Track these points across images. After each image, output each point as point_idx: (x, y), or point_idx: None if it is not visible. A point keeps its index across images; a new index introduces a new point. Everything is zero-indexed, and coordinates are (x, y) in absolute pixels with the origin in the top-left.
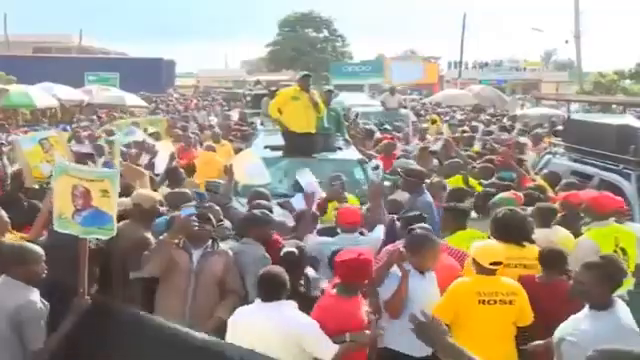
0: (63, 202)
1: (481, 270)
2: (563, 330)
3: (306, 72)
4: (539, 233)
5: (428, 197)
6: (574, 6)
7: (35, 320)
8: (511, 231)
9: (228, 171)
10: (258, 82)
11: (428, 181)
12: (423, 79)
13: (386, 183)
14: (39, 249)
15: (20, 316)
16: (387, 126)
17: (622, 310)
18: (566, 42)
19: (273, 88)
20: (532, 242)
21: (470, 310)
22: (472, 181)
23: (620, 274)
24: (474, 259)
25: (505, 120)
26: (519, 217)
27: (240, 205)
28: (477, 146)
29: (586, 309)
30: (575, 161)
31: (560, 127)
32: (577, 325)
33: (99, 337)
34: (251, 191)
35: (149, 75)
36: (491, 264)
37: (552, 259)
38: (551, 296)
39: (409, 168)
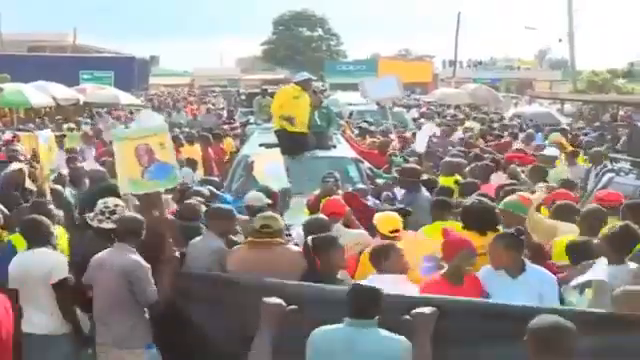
0: (129, 165)
1: (384, 238)
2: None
3: (308, 75)
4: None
5: (426, 193)
6: (567, 5)
7: (145, 275)
8: (480, 221)
9: (248, 167)
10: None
11: None
12: (396, 92)
13: (380, 181)
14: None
15: (133, 273)
16: (387, 124)
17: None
18: (560, 41)
19: (264, 87)
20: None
21: None
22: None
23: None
24: (376, 228)
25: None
26: (488, 208)
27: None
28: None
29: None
30: None
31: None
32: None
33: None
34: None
35: (121, 74)
36: (391, 232)
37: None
38: None
39: (404, 167)
